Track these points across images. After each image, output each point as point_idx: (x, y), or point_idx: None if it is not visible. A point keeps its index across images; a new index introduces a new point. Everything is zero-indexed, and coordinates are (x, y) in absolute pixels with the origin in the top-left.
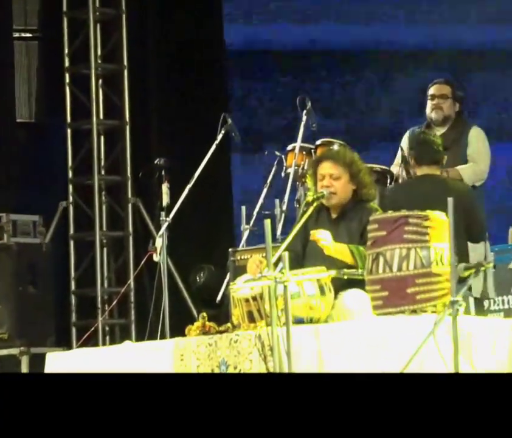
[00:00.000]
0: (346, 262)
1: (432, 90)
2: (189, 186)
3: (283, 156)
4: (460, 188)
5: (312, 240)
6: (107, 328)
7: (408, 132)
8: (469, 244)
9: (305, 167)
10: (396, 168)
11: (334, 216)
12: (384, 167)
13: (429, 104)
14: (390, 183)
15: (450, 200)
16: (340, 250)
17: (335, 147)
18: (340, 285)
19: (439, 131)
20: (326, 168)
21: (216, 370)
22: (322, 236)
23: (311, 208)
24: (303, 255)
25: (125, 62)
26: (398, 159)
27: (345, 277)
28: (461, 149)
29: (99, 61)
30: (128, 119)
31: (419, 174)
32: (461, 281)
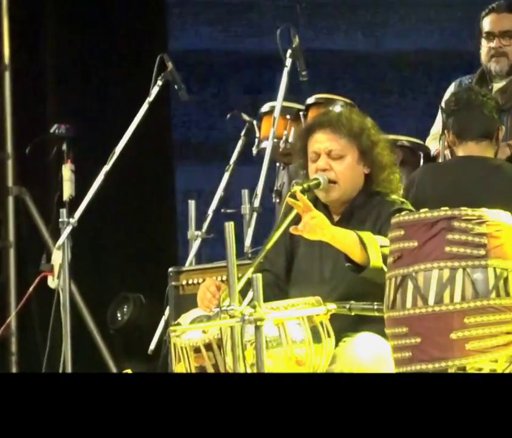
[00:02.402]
0: (352, 257)
1: (488, 25)
2: (106, 168)
3: (254, 123)
4: None
5: (302, 249)
6: None
7: (453, 84)
8: None
9: (290, 140)
10: (434, 142)
11: (336, 217)
12: (414, 140)
13: (485, 46)
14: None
15: None
16: (341, 237)
17: (337, 108)
18: (345, 326)
19: (498, 84)
20: (322, 141)
21: None
22: (310, 214)
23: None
24: (287, 278)
25: None
26: (437, 126)
27: (353, 313)
28: None
29: None
30: (7, 62)
31: (461, 155)
32: None
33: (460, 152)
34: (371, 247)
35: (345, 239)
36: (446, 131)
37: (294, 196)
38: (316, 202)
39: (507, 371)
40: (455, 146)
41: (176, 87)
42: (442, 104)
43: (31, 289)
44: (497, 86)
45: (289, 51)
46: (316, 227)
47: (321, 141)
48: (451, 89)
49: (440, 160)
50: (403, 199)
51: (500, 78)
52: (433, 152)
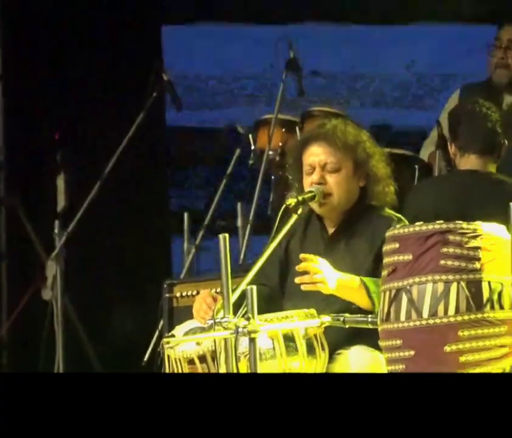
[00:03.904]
0: (357, 305)
1: (499, 33)
2: (100, 181)
3: (250, 136)
4: None
5: (298, 269)
6: None
7: (454, 94)
8: None
9: (286, 152)
10: (428, 150)
11: (330, 230)
12: (408, 153)
13: (493, 55)
14: (420, 177)
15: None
16: (347, 285)
17: (333, 121)
18: (339, 339)
19: (508, 98)
20: (318, 154)
21: None
22: (318, 268)
23: (294, 218)
24: (282, 290)
25: None
26: (433, 139)
27: (347, 326)
28: None
29: None
30: (0, 72)
31: (464, 168)
32: None
33: (462, 165)
34: (375, 297)
35: (351, 288)
36: (448, 142)
37: (289, 209)
38: (311, 215)
39: None
40: (456, 158)
41: (171, 98)
42: (441, 118)
43: (24, 301)
44: (507, 98)
45: (286, 64)
46: (324, 280)
47: (316, 154)
48: (453, 97)
49: (436, 173)
50: (399, 215)
51: (504, 89)
52: (428, 161)
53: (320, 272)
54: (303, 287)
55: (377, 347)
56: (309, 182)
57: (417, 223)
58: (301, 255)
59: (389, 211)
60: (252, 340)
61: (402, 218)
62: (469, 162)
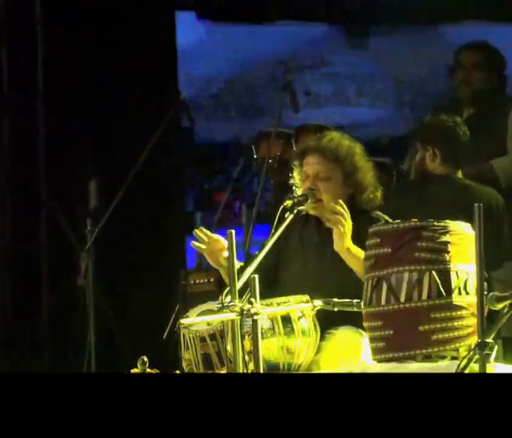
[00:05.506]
0: (352, 268)
1: (460, 57)
2: (125, 186)
3: (253, 146)
4: (488, 197)
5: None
6: None
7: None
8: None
9: (283, 160)
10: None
11: (324, 227)
12: (387, 161)
13: (456, 75)
14: (397, 182)
15: (477, 206)
16: (355, 253)
17: (332, 134)
18: (328, 321)
19: (468, 112)
20: (312, 163)
21: None
22: (347, 221)
23: (290, 217)
24: (276, 277)
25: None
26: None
27: (335, 309)
28: (498, 136)
29: None
30: (41, 90)
31: (435, 173)
32: (492, 317)
33: (437, 170)
34: None
35: (356, 256)
36: (420, 149)
37: (285, 209)
38: (309, 213)
39: (466, 359)
40: (433, 165)
41: (186, 117)
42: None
43: (61, 286)
44: (467, 112)
45: (283, 86)
46: (341, 231)
47: (311, 163)
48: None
49: (412, 177)
50: (386, 217)
51: (465, 104)
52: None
53: (347, 224)
54: (330, 217)
55: (361, 327)
56: (304, 187)
57: (395, 221)
58: (340, 201)
59: (378, 213)
60: (255, 322)
61: (388, 219)
62: (440, 168)
